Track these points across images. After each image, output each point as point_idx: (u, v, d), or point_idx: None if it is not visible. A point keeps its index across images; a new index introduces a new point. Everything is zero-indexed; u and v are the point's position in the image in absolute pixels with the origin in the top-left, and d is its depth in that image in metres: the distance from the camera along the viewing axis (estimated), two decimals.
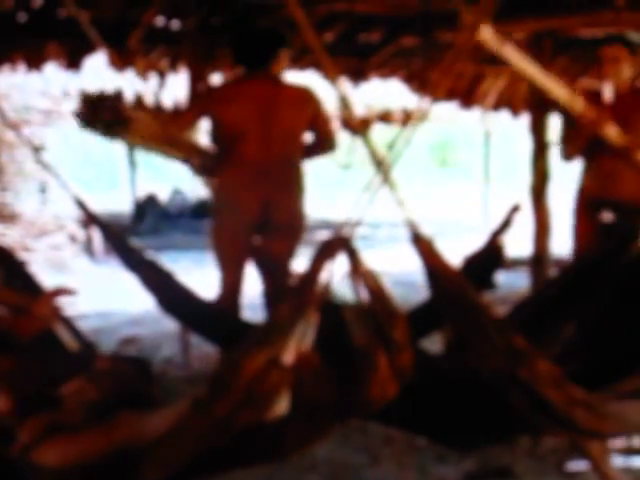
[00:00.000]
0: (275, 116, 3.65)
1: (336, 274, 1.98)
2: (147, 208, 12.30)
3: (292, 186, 3.77)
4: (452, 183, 19.07)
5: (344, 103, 2.72)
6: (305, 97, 3.77)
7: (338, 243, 1.98)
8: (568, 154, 4.01)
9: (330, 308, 1.87)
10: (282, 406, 1.61)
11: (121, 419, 1.98)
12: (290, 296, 1.87)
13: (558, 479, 2.98)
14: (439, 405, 2.07)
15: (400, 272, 7.54)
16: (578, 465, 3.03)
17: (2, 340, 2.31)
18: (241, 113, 3.63)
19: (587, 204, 4.01)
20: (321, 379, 1.64)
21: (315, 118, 3.77)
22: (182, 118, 3.84)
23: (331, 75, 2.80)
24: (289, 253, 3.81)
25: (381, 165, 2.40)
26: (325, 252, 1.97)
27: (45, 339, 2.54)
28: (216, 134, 3.75)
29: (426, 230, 2.24)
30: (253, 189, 3.64)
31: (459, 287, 2.09)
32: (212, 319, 3.19)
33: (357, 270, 1.95)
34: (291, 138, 3.74)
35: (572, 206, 4.08)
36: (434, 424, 2.16)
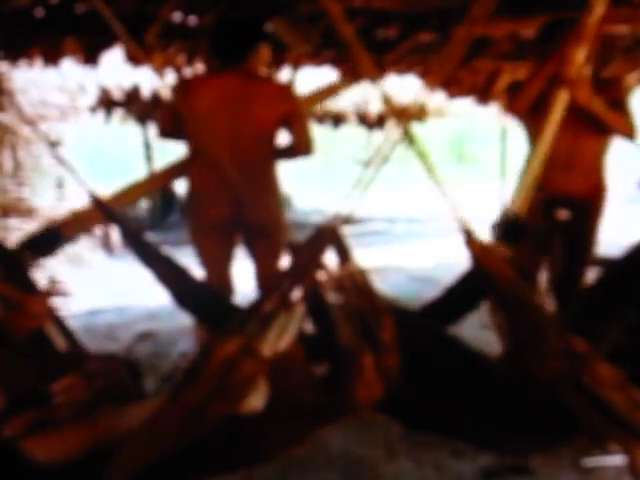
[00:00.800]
0: (245, 113, 3.47)
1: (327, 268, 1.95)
2: (170, 203, 12.33)
3: (264, 185, 3.61)
4: (469, 179, 19.01)
5: (385, 97, 2.65)
6: (280, 94, 3.58)
7: (328, 236, 1.94)
8: (515, 106, 3.77)
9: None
10: (258, 399, 1.57)
11: (102, 413, 1.97)
12: (278, 287, 1.84)
13: (574, 475, 2.97)
14: (494, 409, 2.02)
15: (416, 268, 7.54)
16: (594, 461, 3.01)
17: None
18: (209, 108, 3.45)
19: (541, 202, 3.73)
20: (305, 376, 1.62)
21: (290, 117, 3.57)
22: (165, 120, 3.75)
23: (366, 69, 2.77)
24: (272, 251, 3.68)
25: (423, 159, 2.36)
26: (314, 245, 1.93)
27: (37, 338, 2.54)
28: (185, 130, 3.59)
29: (443, 227, 2.23)
30: (223, 188, 3.49)
31: (515, 288, 2.05)
32: (227, 313, 3.19)
33: (346, 266, 1.92)
34: (262, 136, 3.55)
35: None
36: (489, 428, 2.10)
